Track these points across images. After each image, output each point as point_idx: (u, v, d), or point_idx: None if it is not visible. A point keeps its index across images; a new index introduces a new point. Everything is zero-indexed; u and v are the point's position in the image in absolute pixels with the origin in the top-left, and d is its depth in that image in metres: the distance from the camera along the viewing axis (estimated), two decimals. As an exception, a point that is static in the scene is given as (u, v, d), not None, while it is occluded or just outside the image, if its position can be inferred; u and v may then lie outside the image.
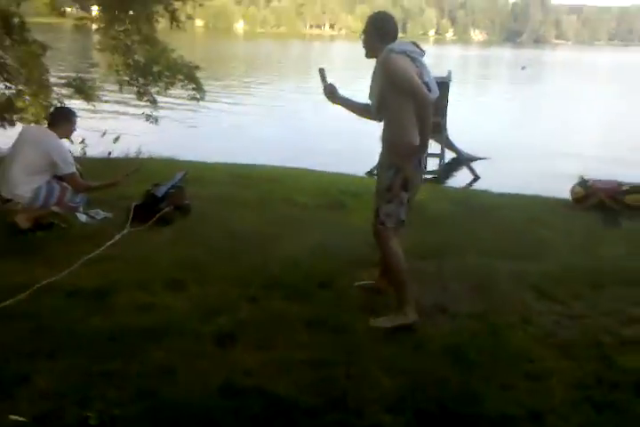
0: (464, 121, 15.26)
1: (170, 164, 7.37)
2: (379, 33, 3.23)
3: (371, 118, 3.39)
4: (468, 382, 2.65)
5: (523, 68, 43.71)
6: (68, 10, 12.62)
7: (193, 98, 10.31)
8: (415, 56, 3.17)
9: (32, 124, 8.71)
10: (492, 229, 5.20)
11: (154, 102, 10.53)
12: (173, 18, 10.29)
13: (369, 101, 3.35)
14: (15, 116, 10.36)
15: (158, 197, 4.87)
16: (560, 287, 3.79)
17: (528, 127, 16.78)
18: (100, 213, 4.92)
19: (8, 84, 10.49)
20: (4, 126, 10.59)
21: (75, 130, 4.78)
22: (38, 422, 2.25)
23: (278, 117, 17.76)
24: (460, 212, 5.95)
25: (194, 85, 10.17)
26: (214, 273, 3.76)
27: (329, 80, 3.46)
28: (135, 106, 11.54)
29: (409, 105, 3.06)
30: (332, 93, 3.44)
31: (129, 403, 2.39)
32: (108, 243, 4.19)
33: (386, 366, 2.76)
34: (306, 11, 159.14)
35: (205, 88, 10.40)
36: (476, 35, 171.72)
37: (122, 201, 4.99)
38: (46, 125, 4.77)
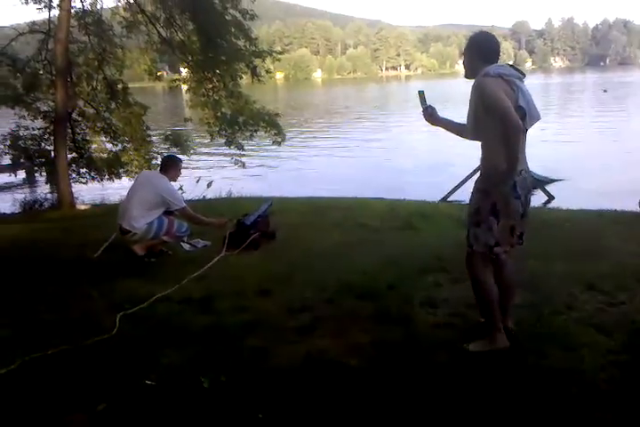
0: (543, 144, 15.42)
1: (256, 200, 8.21)
2: (481, 52, 3.15)
3: (468, 139, 3.32)
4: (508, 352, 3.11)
5: (604, 91, 42.80)
6: (165, 75, 14.29)
7: (275, 142, 11.38)
8: (512, 79, 3.06)
9: (147, 170, 9.93)
10: (553, 238, 5.56)
11: (241, 148, 11.69)
12: (254, 74, 11.51)
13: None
14: (121, 170, 11.82)
15: (248, 226, 5.65)
16: (607, 281, 4.15)
17: (608, 148, 16.68)
18: (200, 242, 5.76)
19: (114, 142, 12.02)
20: (112, 179, 12.07)
21: (180, 174, 5.61)
22: (167, 388, 2.95)
23: (353, 157, 18.67)
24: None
25: (275, 131, 11.25)
26: (295, 282, 4.42)
27: (428, 102, 3.44)
28: (224, 154, 12.71)
29: (500, 129, 2.95)
30: (431, 116, 3.42)
31: (234, 369, 3.05)
32: (209, 264, 4.97)
33: (440, 347, 3.27)
34: (381, 54, 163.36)
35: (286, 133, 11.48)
36: (556, 62, 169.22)
37: (218, 231, 5.80)
38: (158, 170, 5.65)
